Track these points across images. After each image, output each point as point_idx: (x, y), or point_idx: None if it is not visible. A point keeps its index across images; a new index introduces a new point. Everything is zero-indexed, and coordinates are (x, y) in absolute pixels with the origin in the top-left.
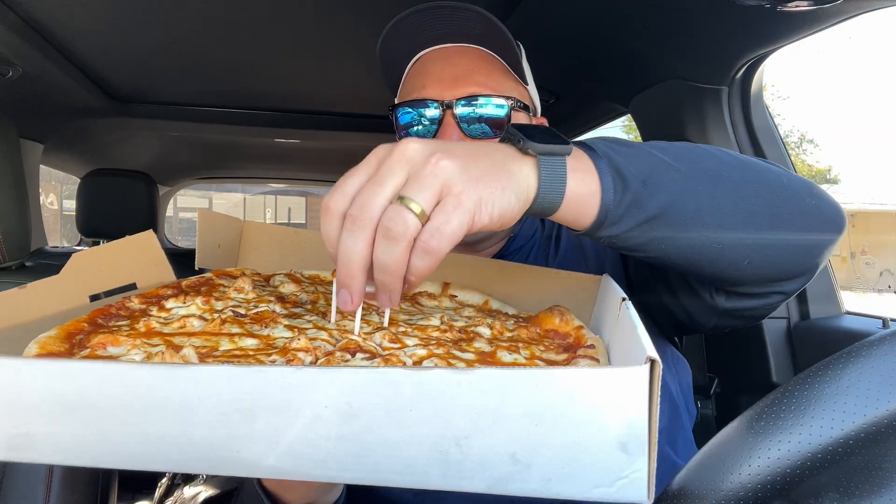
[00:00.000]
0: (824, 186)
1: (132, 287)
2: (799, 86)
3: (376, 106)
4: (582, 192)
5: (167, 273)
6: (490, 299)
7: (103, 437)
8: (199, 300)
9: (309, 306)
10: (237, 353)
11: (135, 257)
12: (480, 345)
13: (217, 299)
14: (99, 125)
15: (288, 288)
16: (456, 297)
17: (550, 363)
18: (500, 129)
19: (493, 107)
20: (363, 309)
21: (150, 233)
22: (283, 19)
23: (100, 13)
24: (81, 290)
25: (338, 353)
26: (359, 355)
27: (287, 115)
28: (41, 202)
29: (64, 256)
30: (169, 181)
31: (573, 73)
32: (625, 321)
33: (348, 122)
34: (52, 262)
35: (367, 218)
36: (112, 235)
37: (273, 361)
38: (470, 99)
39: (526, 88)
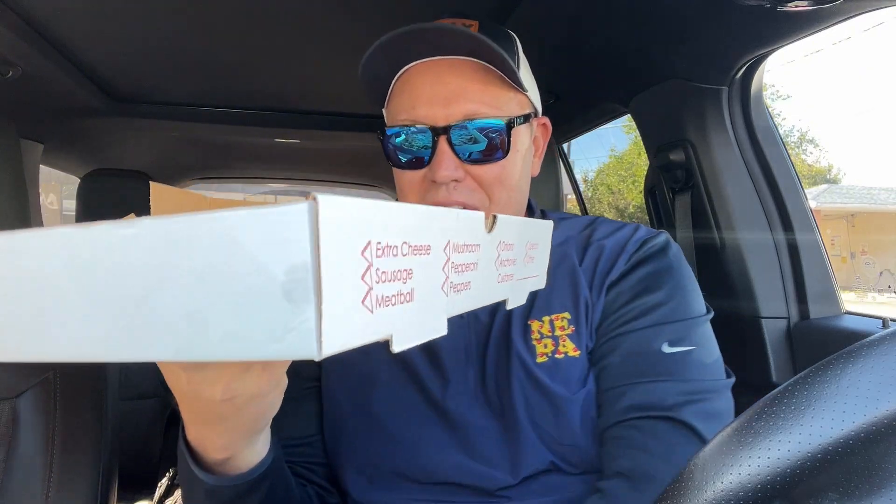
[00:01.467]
0: (824, 186)
1: None
2: (799, 86)
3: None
4: None
5: None
6: None
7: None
8: None
9: None
10: None
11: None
12: None
13: None
14: (99, 125)
15: None
16: None
17: None
18: (500, 153)
19: (490, 129)
20: None
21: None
22: (283, 19)
23: (100, 13)
24: None
25: None
26: None
27: (287, 115)
28: (41, 202)
29: None
30: (169, 181)
31: (573, 73)
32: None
33: (348, 122)
34: None
35: None
36: None
37: None
38: (464, 123)
39: (525, 93)
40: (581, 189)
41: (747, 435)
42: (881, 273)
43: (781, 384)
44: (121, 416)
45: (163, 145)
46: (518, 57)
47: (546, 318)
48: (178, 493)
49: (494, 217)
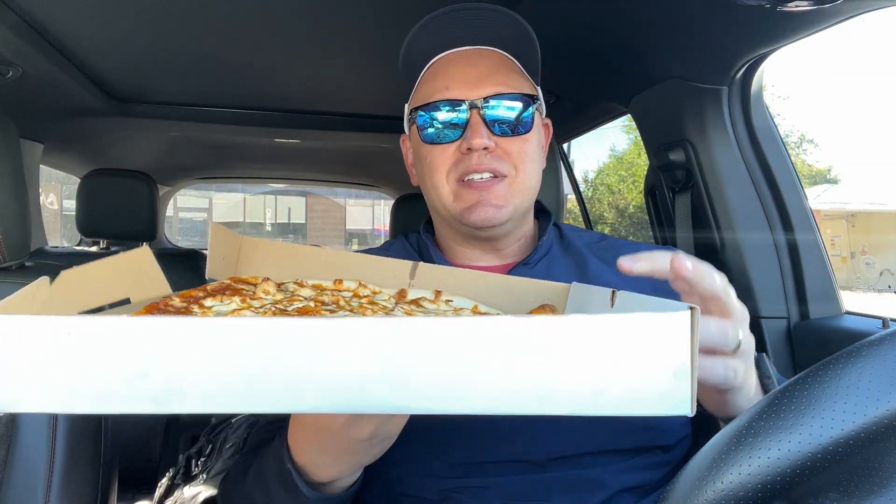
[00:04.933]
0: (824, 186)
1: (126, 302)
2: (799, 86)
3: (376, 106)
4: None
5: (162, 287)
6: (478, 304)
7: (249, 385)
8: (236, 298)
9: (333, 307)
10: None
11: (128, 272)
12: None
13: (252, 298)
14: (99, 125)
15: (305, 292)
16: (451, 301)
17: None
18: (524, 129)
19: (517, 106)
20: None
21: (145, 248)
22: (282, 19)
23: (100, 13)
24: (71, 307)
25: None
26: None
27: (287, 115)
28: (41, 202)
29: (64, 256)
30: (169, 181)
31: (573, 73)
32: (629, 301)
33: (348, 122)
34: (52, 263)
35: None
36: (112, 235)
37: None
38: (495, 98)
39: (538, 89)
40: (581, 189)
41: (747, 435)
42: (881, 273)
43: (782, 384)
44: (121, 417)
45: (163, 145)
46: (539, 54)
47: None
48: (178, 493)
49: None
